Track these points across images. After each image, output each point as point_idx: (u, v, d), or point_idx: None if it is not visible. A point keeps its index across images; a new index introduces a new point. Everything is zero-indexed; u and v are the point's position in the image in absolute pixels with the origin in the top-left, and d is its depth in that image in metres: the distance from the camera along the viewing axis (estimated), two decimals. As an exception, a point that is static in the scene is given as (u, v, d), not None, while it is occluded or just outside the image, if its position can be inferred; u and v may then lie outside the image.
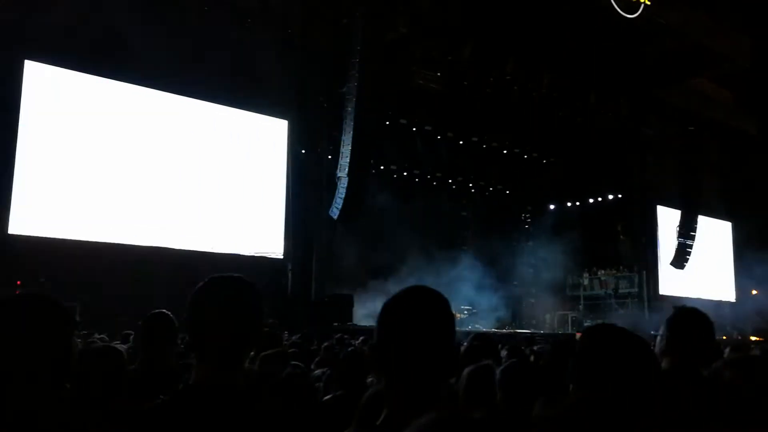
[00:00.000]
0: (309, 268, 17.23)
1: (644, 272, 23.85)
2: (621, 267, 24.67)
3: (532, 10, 16.18)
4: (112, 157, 14.30)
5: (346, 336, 8.85)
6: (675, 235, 23.29)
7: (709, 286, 25.40)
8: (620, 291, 24.30)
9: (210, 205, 15.59)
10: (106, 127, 14.29)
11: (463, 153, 22.12)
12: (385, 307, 1.49)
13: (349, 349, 5.09)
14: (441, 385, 1.46)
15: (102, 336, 7.22)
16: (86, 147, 13.98)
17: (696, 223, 23.33)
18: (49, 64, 13.70)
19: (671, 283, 23.80)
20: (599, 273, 25.01)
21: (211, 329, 1.68)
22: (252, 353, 3.43)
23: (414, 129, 20.83)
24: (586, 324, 21.81)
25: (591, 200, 25.61)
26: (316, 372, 5.04)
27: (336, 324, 14.63)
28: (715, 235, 26.26)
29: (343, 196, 15.24)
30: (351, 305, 16.30)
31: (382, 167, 20.73)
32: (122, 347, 4.19)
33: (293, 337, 8.02)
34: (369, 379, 3.72)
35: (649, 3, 17.15)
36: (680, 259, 23.16)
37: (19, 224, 12.97)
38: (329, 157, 17.74)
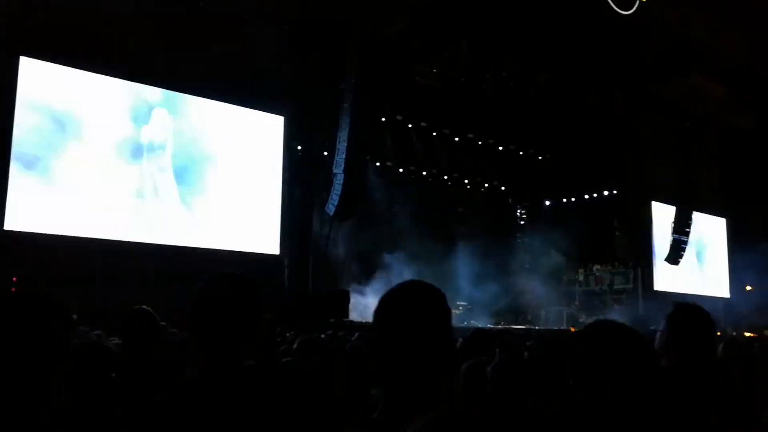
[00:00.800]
0: (305, 264, 17.24)
1: (639, 268, 23.92)
2: (616, 263, 24.73)
3: (528, 7, 16.18)
4: (108, 153, 14.28)
5: (340, 332, 8.86)
6: (670, 230, 23.36)
7: (703, 282, 25.51)
8: (615, 287, 24.35)
9: (207, 201, 15.60)
10: (102, 123, 14.27)
11: (459, 149, 22.14)
12: (382, 302, 1.51)
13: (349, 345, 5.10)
14: (438, 380, 1.48)
15: (98, 332, 7.21)
16: (81, 143, 13.95)
17: (691, 219, 23.39)
18: (44, 60, 13.66)
19: (666, 278, 23.88)
20: (594, 269, 25.07)
21: (212, 326, 1.70)
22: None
23: (410, 125, 20.83)
24: (581, 320, 21.92)
25: (586, 196, 25.63)
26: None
27: (332, 320, 14.66)
28: (710, 231, 26.36)
29: (339, 192, 15.24)
30: (347, 301, 16.34)
31: (378, 163, 20.72)
32: (115, 343, 4.20)
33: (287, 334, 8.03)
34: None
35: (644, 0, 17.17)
36: (675, 254, 23.23)
37: (14, 220, 12.95)
38: (325, 153, 17.74)
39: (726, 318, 23.83)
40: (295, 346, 4.27)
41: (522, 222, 26.90)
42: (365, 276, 17.63)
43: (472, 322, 19.60)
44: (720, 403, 2.35)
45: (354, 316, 16.13)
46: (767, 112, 23.36)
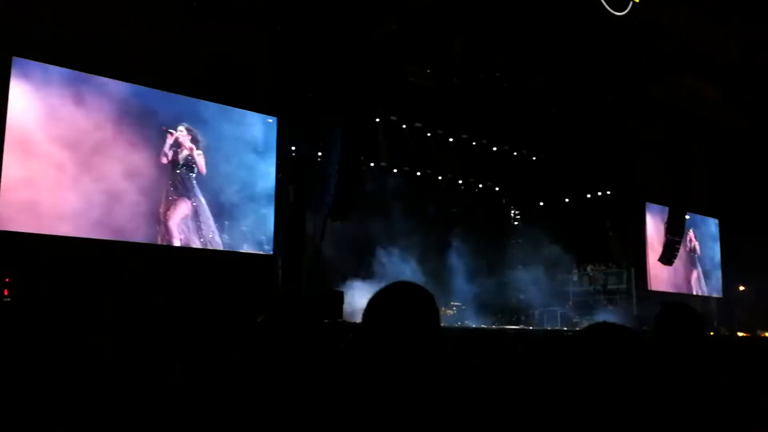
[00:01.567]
0: (299, 264, 17.22)
1: (633, 268, 23.98)
2: (610, 263, 24.77)
3: (522, 7, 16.23)
4: (102, 152, 14.22)
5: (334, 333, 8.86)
6: (663, 231, 23.44)
7: (697, 282, 25.62)
8: (609, 287, 24.37)
9: (200, 200, 15.55)
10: (94, 122, 14.21)
11: (453, 150, 22.16)
12: (371, 303, 1.51)
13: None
14: (428, 380, 1.47)
15: (95, 333, 7.19)
16: (74, 143, 13.90)
17: (684, 219, 23.48)
18: (36, 60, 13.60)
19: (660, 279, 23.96)
20: (588, 269, 25.10)
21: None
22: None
23: (404, 126, 20.84)
24: (574, 320, 21.99)
25: (580, 197, 25.69)
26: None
27: (326, 320, 14.64)
28: (704, 232, 26.46)
29: (333, 192, 15.25)
30: (341, 302, 16.32)
31: (372, 164, 20.72)
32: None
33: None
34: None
35: (638, 1, 17.24)
36: (669, 255, 23.31)
37: (6, 220, 12.89)
38: (319, 153, 17.73)
39: (719, 318, 23.94)
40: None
41: (516, 222, 26.93)
42: (359, 277, 17.62)
43: (465, 322, 19.64)
44: (711, 402, 2.36)
45: (347, 316, 16.12)
46: (761, 113, 23.47)
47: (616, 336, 1.84)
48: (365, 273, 17.71)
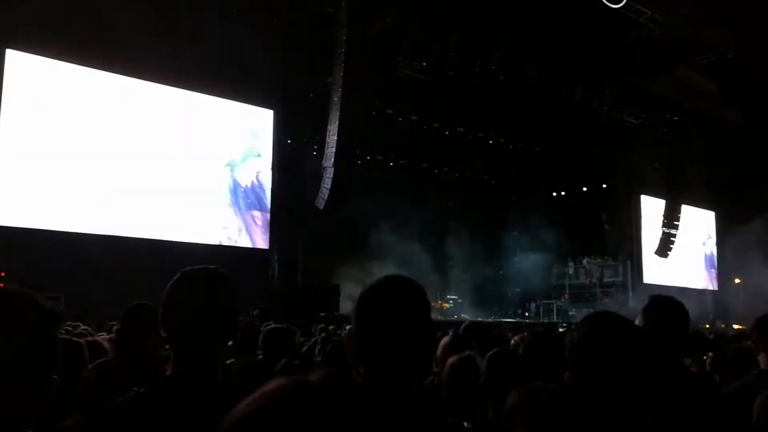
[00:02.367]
0: (295, 258, 17.22)
1: (629, 261, 24.05)
2: (606, 256, 24.84)
3: (517, 1, 16.18)
4: (96, 146, 14.18)
5: (330, 326, 8.86)
6: (659, 224, 23.49)
7: (692, 275, 25.69)
8: (605, 280, 24.46)
9: (196, 195, 15.51)
10: (89, 116, 14.17)
11: (448, 143, 22.13)
12: (362, 296, 1.50)
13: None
14: (419, 373, 1.47)
15: (86, 328, 7.17)
16: (68, 136, 13.85)
17: (680, 212, 23.53)
18: (30, 53, 13.55)
19: (655, 271, 24.03)
20: (584, 262, 25.16)
21: (185, 322, 1.66)
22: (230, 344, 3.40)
23: (400, 119, 20.79)
24: (570, 313, 22.03)
25: (576, 190, 25.71)
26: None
27: (322, 314, 14.64)
28: (699, 224, 26.52)
29: (328, 186, 15.21)
30: (337, 295, 16.33)
31: (368, 157, 20.69)
32: (105, 338, 4.16)
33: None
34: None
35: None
36: (664, 247, 23.37)
37: (2, 214, 12.86)
38: (315, 147, 17.69)
39: (715, 311, 24.00)
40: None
41: (512, 215, 26.94)
42: (355, 270, 17.61)
43: (462, 315, 19.66)
44: (699, 396, 2.37)
45: (344, 309, 16.12)
46: (755, 105, 23.50)
47: (614, 324, 1.85)
48: (361, 265, 17.69)
